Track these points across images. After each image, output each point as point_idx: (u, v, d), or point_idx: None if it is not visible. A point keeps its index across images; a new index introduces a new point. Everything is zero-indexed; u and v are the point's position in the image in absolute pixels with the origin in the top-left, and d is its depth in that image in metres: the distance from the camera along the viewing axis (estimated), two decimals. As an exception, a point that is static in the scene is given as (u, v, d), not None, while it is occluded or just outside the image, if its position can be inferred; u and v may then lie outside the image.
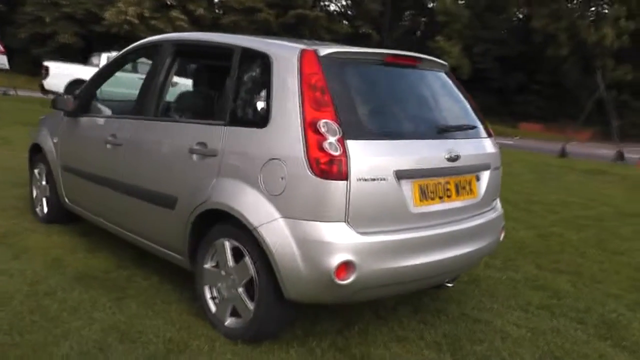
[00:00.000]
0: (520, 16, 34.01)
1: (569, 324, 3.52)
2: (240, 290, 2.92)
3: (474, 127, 3.40)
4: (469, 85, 34.54)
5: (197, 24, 30.64)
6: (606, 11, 33.72)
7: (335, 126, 2.66)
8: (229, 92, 3.10)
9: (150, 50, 4.01)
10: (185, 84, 4.78)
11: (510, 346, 3.14)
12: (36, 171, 4.95)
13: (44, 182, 4.83)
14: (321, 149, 2.63)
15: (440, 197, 3.01)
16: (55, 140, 4.57)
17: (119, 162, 3.73)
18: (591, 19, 33.55)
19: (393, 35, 36.87)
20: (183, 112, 3.77)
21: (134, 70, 10.53)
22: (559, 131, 23.36)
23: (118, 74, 4.26)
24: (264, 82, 2.93)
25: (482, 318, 3.50)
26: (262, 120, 2.86)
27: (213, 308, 3.10)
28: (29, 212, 5.09)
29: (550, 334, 3.35)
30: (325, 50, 2.88)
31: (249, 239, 2.83)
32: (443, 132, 3.18)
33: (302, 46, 2.91)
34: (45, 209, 4.84)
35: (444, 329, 3.29)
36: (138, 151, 3.61)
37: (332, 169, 2.61)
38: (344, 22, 33.50)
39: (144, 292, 3.52)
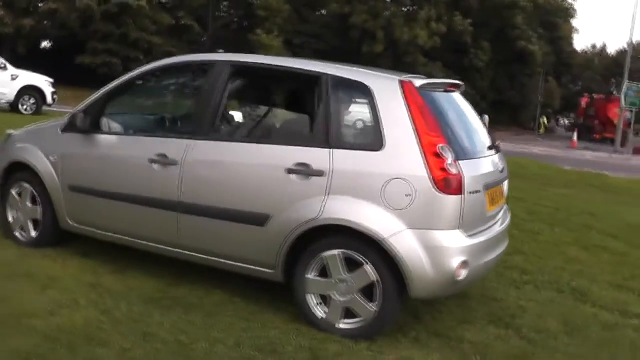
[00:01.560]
0: (340, 12, 36.41)
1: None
2: (358, 294, 3.29)
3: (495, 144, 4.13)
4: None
5: (12, 9, 27.50)
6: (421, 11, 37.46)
7: (448, 149, 3.19)
8: (325, 117, 3.40)
9: (202, 71, 4.01)
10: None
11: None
12: (14, 192, 4.54)
13: (29, 204, 4.47)
14: (443, 169, 3.14)
15: (496, 203, 3.71)
16: (53, 159, 4.27)
17: (173, 182, 3.72)
18: (404, 18, 37.08)
19: (214, 28, 36.80)
20: (268, 134, 3.89)
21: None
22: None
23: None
24: (369, 110, 3.32)
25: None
26: (375, 144, 3.26)
27: (320, 314, 3.40)
28: (2, 237, 4.65)
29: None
30: (417, 81, 3.39)
31: (369, 249, 3.22)
32: (490, 149, 3.85)
33: (396, 77, 3.38)
34: (34, 232, 4.49)
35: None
36: (208, 171, 3.67)
37: (453, 185, 3.15)
38: (166, 13, 32.52)
39: (222, 308, 3.62)
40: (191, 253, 3.81)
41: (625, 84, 25.11)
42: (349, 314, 3.35)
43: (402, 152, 3.22)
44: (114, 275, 4.04)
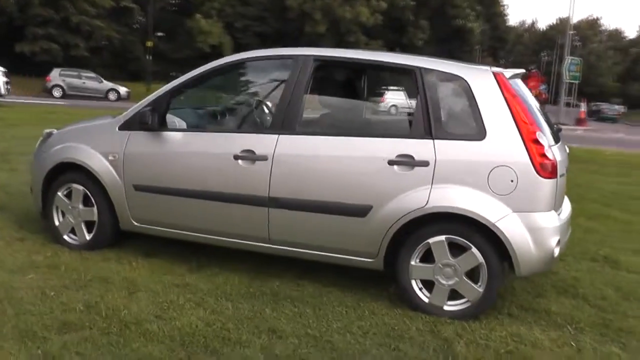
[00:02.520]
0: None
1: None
2: (464, 277, 3.45)
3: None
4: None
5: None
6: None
7: (544, 136, 3.38)
8: (425, 109, 3.50)
9: (284, 65, 3.97)
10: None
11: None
12: (60, 194, 4.38)
13: (81, 206, 4.33)
14: (542, 155, 3.34)
15: None
16: (112, 157, 4.15)
17: (263, 178, 3.72)
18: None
19: (154, 10, 35.55)
20: (366, 127, 3.92)
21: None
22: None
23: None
24: (467, 101, 3.45)
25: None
26: (477, 134, 3.40)
27: (425, 298, 3.54)
28: (49, 241, 4.48)
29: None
30: (506, 72, 3.55)
31: (474, 233, 3.38)
32: (556, 135, 4.06)
33: (487, 69, 3.53)
34: (87, 235, 4.36)
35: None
36: (303, 165, 3.68)
37: (551, 170, 3.35)
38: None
39: (323, 298, 3.66)
40: (281, 247, 3.83)
41: (568, 59, 26.46)
42: (451, 296, 3.51)
43: (504, 141, 3.37)
44: (194, 274, 4.00)
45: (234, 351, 2.91)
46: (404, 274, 3.56)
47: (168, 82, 4.26)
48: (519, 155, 3.34)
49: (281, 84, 3.83)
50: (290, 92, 3.77)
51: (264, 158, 3.72)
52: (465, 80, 3.49)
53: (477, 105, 3.42)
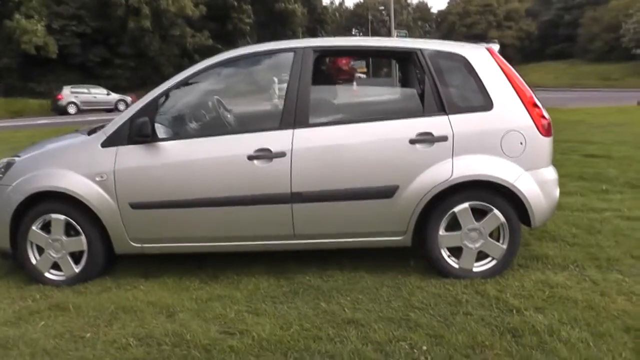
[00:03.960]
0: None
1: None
2: (489, 238, 3.76)
3: None
4: (57, 64, 32.44)
5: None
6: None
7: (537, 99, 3.80)
8: (434, 87, 3.71)
9: (280, 57, 3.88)
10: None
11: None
12: (35, 228, 3.91)
13: (63, 237, 3.91)
14: (542, 116, 3.75)
15: None
16: (101, 178, 3.79)
17: (283, 175, 3.67)
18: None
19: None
20: (381, 111, 3.94)
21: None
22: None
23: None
24: (470, 77, 3.73)
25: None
26: (486, 105, 3.70)
27: (454, 264, 3.79)
28: (25, 283, 4.01)
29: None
30: (494, 46, 3.90)
31: (495, 196, 3.70)
32: None
33: (480, 46, 3.86)
34: (75, 267, 3.96)
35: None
36: (324, 157, 3.69)
37: (549, 129, 3.78)
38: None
39: (364, 283, 3.76)
40: (307, 241, 3.83)
41: (394, 32, 28.36)
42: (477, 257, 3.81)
43: (510, 108, 3.72)
44: (216, 285, 3.85)
45: (337, 346, 2.92)
46: (434, 244, 3.77)
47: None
48: (524, 119, 3.71)
49: (284, 78, 3.78)
50: (297, 86, 3.75)
51: (281, 155, 3.67)
52: (465, 57, 3.77)
53: (480, 79, 3.72)
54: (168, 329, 3.17)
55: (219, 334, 3.11)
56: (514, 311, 3.28)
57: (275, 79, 4.02)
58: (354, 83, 5.55)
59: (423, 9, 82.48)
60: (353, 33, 74.84)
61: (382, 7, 69.62)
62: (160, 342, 3.05)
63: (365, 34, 67.73)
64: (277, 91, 4.26)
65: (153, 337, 3.11)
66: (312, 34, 57.44)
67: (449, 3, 72.31)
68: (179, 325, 3.22)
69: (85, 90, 30.41)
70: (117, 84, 34.97)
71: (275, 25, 46.06)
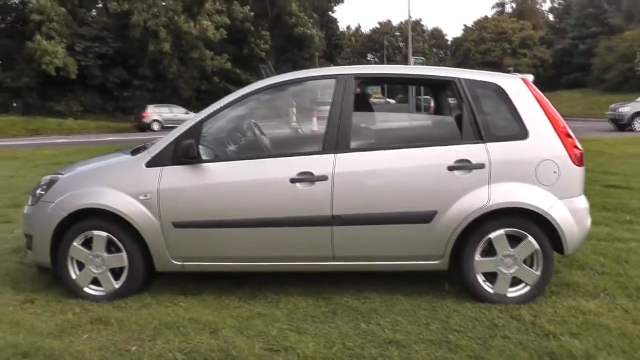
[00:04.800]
0: (119, 11, 34.25)
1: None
2: (523, 264, 3.83)
3: None
4: (76, 84, 32.96)
5: None
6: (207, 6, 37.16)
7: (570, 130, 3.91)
8: (472, 116, 3.83)
9: (326, 86, 4.02)
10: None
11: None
12: (76, 244, 4.04)
13: (105, 254, 4.04)
14: (575, 147, 3.85)
15: None
16: (145, 197, 3.92)
17: (324, 198, 3.79)
18: (187, 14, 36.41)
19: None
20: (420, 138, 4.08)
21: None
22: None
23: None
24: (506, 106, 3.86)
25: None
26: (522, 134, 3.81)
27: (489, 289, 3.87)
28: (65, 297, 4.12)
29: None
30: (529, 77, 4.02)
31: (529, 223, 3.79)
32: None
33: (515, 76, 3.98)
34: (116, 284, 4.08)
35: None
36: (364, 181, 3.81)
37: (581, 159, 3.89)
38: None
39: (401, 306, 3.82)
40: (346, 263, 3.93)
41: (412, 59, 28.64)
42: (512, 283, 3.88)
43: (545, 138, 3.83)
44: (257, 304, 3.94)
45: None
46: (470, 269, 3.86)
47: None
48: (558, 149, 3.81)
49: (327, 104, 3.91)
50: (339, 112, 3.89)
51: (323, 178, 3.79)
52: (501, 87, 3.90)
53: (516, 108, 3.85)
54: (213, 345, 3.27)
55: (264, 351, 3.20)
56: (551, 336, 3.34)
57: (318, 105, 4.14)
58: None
59: (438, 36, 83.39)
60: (368, 59, 75.71)
61: (399, 34, 70.23)
62: (207, 357, 3.15)
63: (381, 60, 68.48)
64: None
65: (199, 352, 3.21)
66: (329, 58, 58.17)
67: (464, 30, 73.07)
68: (224, 342, 3.32)
69: (167, 110, 32.40)
70: (135, 105, 35.49)
71: (293, 49, 46.69)
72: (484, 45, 63.37)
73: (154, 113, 31.51)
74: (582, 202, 3.92)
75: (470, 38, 67.29)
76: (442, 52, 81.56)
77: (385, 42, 69.07)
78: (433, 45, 78.55)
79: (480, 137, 3.82)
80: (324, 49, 54.64)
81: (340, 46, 60.86)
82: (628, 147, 15.38)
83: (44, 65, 30.52)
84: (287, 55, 46.61)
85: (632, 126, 21.67)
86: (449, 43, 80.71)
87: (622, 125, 21.92)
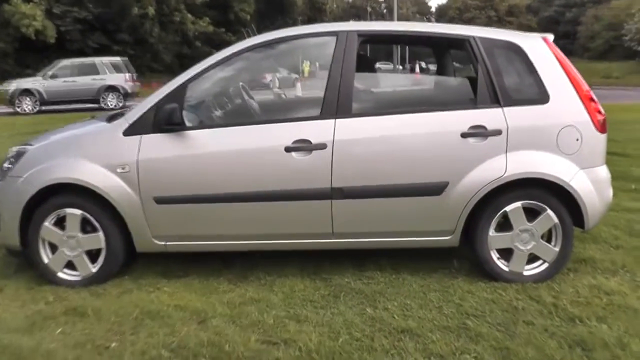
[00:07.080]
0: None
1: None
2: (540, 240, 3.50)
3: None
4: (54, 50, 31.98)
5: None
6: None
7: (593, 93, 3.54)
8: (488, 78, 3.43)
9: (323, 44, 3.58)
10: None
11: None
12: (47, 224, 3.60)
13: (80, 234, 3.61)
14: (599, 112, 3.49)
15: None
16: (123, 169, 3.49)
17: (323, 168, 3.39)
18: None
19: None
20: (430, 102, 3.67)
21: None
22: (146, 86, 24.30)
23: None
24: (526, 67, 3.46)
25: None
26: (542, 98, 3.43)
27: (504, 266, 3.53)
28: (37, 284, 3.69)
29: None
30: (549, 36, 3.62)
31: (549, 195, 3.44)
32: None
33: (535, 35, 3.58)
34: (92, 267, 3.66)
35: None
36: (367, 150, 3.41)
37: (604, 125, 3.53)
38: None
39: (408, 287, 3.50)
40: (347, 240, 3.56)
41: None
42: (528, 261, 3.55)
43: (566, 102, 3.45)
44: (248, 287, 3.57)
45: (395, 358, 2.66)
46: (483, 245, 3.51)
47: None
48: (580, 114, 3.44)
49: (325, 64, 3.48)
50: (339, 73, 3.46)
51: (322, 147, 3.39)
52: (520, 47, 3.50)
53: (536, 70, 3.46)
54: (203, 339, 2.89)
55: (260, 344, 2.84)
56: (577, 320, 3.03)
57: (316, 65, 3.72)
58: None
59: (420, 2, 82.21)
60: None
61: (383, 1, 69.00)
62: (197, 353, 2.77)
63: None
64: (316, 78, 3.95)
65: (187, 347, 2.83)
66: (311, 23, 57.27)
67: (448, -3, 72.24)
68: (214, 334, 2.95)
69: None
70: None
71: (276, 15, 45.65)
72: (468, 14, 62.56)
73: None
74: (604, 172, 3.58)
75: (455, 5, 66.41)
76: (425, 19, 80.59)
77: (369, 8, 67.92)
78: (416, 12, 77.42)
79: (496, 100, 3.43)
80: (308, 13, 53.56)
81: (323, 10, 59.72)
82: (617, 114, 15.11)
83: (23, 28, 29.30)
84: (269, 21, 45.58)
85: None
86: (432, 10, 79.77)
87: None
